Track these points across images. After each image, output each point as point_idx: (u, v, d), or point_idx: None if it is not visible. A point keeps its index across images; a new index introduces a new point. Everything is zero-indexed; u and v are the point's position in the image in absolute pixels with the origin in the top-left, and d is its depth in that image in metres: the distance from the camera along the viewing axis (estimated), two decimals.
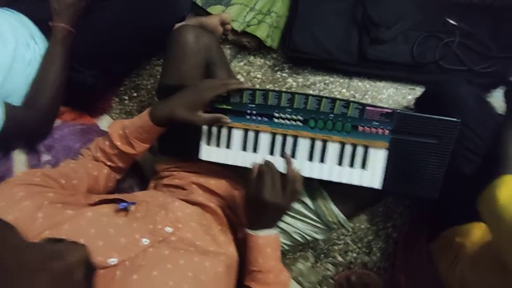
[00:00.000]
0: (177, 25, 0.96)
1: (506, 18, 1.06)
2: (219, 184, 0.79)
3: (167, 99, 0.70)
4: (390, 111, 0.68)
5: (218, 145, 0.75)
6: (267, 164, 0.67)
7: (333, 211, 0.78)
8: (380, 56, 1.07)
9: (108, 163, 0.73)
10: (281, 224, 0.80)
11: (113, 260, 0.49)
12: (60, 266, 0.40)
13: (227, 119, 0.71)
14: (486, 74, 1.04)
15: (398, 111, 0.68)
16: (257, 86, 1.13)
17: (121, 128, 0.71)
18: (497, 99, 1.08)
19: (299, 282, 1.07)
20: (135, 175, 0.89)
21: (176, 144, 0.77)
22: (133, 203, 0.60)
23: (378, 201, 0.96)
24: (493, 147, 0.75)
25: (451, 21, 1.07)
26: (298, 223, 0.81)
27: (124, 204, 0.57)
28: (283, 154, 0.73)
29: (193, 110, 0.68)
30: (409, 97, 1.10)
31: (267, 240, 0.65)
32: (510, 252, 0.58)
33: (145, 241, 0.54)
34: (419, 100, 0.93)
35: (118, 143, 0.70)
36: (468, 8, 1.11)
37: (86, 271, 0.43)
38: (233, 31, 1.11)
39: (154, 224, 0.58)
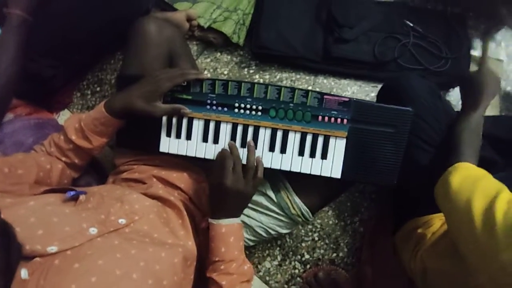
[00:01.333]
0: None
1: (455, 24, 1.14)
2: (180, 177, 0.77)
3: (124, 90, 0.68)
4: (347, 99, 0.69)
5: (178, 136, 0.74)
6: (231, 147, 0.67)
7: (297, 203, 0.78)
8: (343, 54, 1.10)
9: (63, 159, 0.69)
10: (244, 218, 0.78)
11: (52, 248, 0.46)
12: None
13: (186, 109, 0.70)
14: (440, 73, 1.10)
15: (355, 99, 0.69)
16: None
17: (77, 121, 0.68)
18: (452, 98, 1.14)
19: (266, 282, 1.05)
20: (94, 171, 0.85)
21: (135, 136, 0.75)
22: (84, 193, 0.57)
23: (342, 191, 0.97)
24: (446, 138, 0.79)
25: (408, 23, 1.12)
26: (262, 216, 0.80)
27: (73, 192, 0.54)
28: (245, 144, 0.72)
29: (151, 101, 0.67)
30: (372, 94, 1.13)
31: (230, 229, 0.64)
32: (462, 236, 0.60)
33: (93, 230, 0.51)
34: (379, 94, 0.95)
35: (74, 137, 0.67)
36: (423, 12, 1.17)
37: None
38: (200, 27, 1.11)
39: (106, 215, 0.56)
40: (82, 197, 0.56)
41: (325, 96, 0.69)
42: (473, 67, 1.10)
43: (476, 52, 1.16)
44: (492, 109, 1.10)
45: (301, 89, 0.70)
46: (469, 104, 0.81)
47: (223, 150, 0.68)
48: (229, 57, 1.14)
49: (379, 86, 1.12)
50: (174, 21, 1.05)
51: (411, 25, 1.13)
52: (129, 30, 0.82)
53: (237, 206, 0.67)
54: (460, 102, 0.92)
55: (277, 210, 0.79)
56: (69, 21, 0.89)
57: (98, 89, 1.09)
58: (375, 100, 1.10)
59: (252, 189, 0.66)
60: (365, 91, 1.13)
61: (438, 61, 1.11)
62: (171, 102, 0.71)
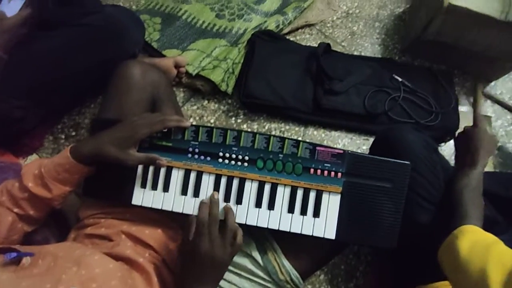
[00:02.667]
0: None
1: (443, 80, 1.15)
2: (154, 235, 0.68)
3: (96, 134, 0.61)
4: (341, 151, 0.64)
5: (154, 187, 0.65)
6: (212, 203, 0.59)
7: (285, 267, 0.69)
8: (334, 106, 1.08)
9: (15, 210, 0.59)
10: (224, 284, 0.68)
11: None
12: None
13: (162, 160, 0.62)
14: (431, 127, 1.08)
15: (349, 152, 0.64)
16: None
17: (37, 167, 0.59)
18: (445, 152, 1.11)
19: None
20: (54, 224, 0.74)
21: (104, 185, 0.66)
22: (30, 254, 0.47)
23: (336, 254, 0.88)
24: (447, 196, 0.73)
25: (397, 78, 1.13)
26: (245, 282, 0.69)
27: (13, 254, 0.45)
28: (229, 199, 0.65)
29: (124, 148, 0.60)
30: (364, 147, 1.09)
31: None
32: None
33: None
34: (372, 147, 0.91)
35: (30, 184, 0.58)
36: (411, 68, 1.19)
37: None
38: (187, 74, 1.09)
39: (54, 284, 0.46)
40: (26, 259, 0.46)
41: (318, 148, 0.63)
42: (462, 123, 1.09)
43: (463, 108, 1.17)
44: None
45: (292, 139, 0.64)
46: (467, 161, 0.78)
47: (200, 208, 0.59)
48: (216, 105, 1.11)
49: (371, 139, 1.10)
50: (161, 67, 1.03)
51: (400, 79, 1.13)
52: (112, 72, 0.77)
53: (212, 278, 0.57)
54: (453, 157, 0.89)
55: (263, 275, 0.69)
56: (50, 62, 0.85)
57: (73, 133, 1.02)
58: (367, 153, 1.07)
59: (230, 257, 0.57)
60: (356, 144, 1.10)
61: (428, 115, 1.10)
62: (149, 149, 0.64)
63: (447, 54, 1.16)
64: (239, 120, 1.09)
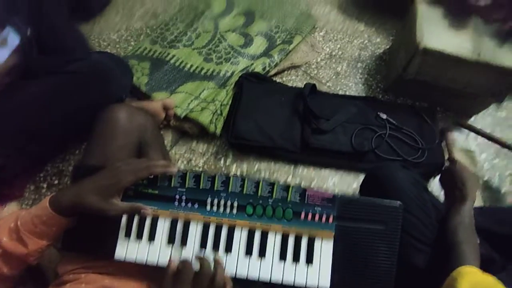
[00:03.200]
0: None
1: (426, 116, 1.18)
2: None
3: (78, 182, 0.59)
4: (331, 195, 0.63)
5: (139, 238, 0.62)
6: (187, 262, 0.54)
7: None
8: (322, 145, 1.09)
9: None
10: None
11: None
12: None
13: (147, 210, 0.60)
14: (419, 164, 1.09)
15: (340, 195, 0.63)
16: None
17: (14, 219, 0.56)
18: (435, 188, 1.11)
19: None
20: (31, 281, 0.70)
21: (85, 238, 0.63)
22: None
23: None
24: (441, 235, 0.72)
25: (382, 115, 1.15)
26: None
27: None
28: (217, 247, 0.62)
29: (107, 197, 0.57)
30: (354, 185, 1.08)
31: None
32: None
33: None
34: (362, 186, 0.91)
35: (4, 239, 0.54)
36: (395, 106, 1.22)
37: None
38: (176, 117, 1.09)
39: None
40: None
41: (308, 191, 0.62)
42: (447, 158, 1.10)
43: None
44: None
45: (281, 184, 0.63)
46: (457, 197, 0.79)
47: (181, 261, 0.55)
48: (205, 147, 1.10)
49: (361, 176, 1.09)
50: (149, 110, 1.02)
51: (385, 117, 1.16)
52: (97, 117, 0.77)
53: None
54: (442, 192, 0.90)
55: None
56: (34, 110, 0.84)
57: (56, 181, 0.99)
58: (357, 190, 1.06)
59: None
60: (346, 182, 1.09)
61: (415, 152, 1.11)
62: (133, 197, 0.62)
63: (428, 92, 1.20)
64: (228, 162, 1.08)
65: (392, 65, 1.26)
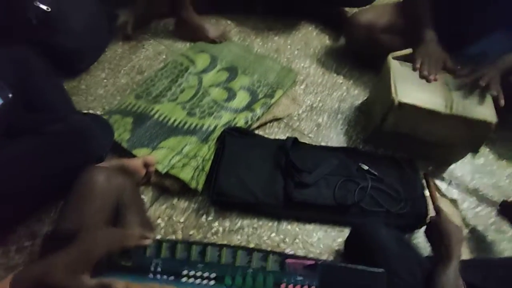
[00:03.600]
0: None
1: (406, 167, 1.20)
2: None
3: (45, 257, 0.56)
4: (313, 262, 0.61)
5: None
6: None
7: None
8: (305, 199, 1.08)
9: None
10: None
11: None
12: None
13: (119, 285, 0.57)
14: (403, 215, 1.09)
15: (321, 262, 0.61)
16: (179, 232, 1.02)
17: None
18: (420, 240, 1.10)
19: None
20: None
21: None
22: None
23: None
24: None
25: (363, 167, 1.17)
26: None
27: None
28: None
29: (75, 274, 0.54)
30: (339, 239, 1.06)
31: None
32: None
33: None
34: (346, 244, 0.90)
35: None
36: (375, 157, 1.24)
37: None
38: (157, 173, 1.07)
39: None
40: None
41: (287, 260, 0.61)
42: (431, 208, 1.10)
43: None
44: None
45: (260, 250, 0.62)
46: (443, 254, 0.78)
47: None
48: (186, 203, 1.08)
49: (346, 230, 1.08)
50: (129, 168, 1.01)
51: (366, 168, 1.17)
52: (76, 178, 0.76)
53: None
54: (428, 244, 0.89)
55: None
56: (9, 171, 0.82)
57: (26, 243, 0.93)
58: (343, 245, 1.04)
59: None
60: (331, 237, 1.07)
61: (398, 203, 1.11)
62: (105, 271, 0.59)
63: (407, 143, 1.23)
64: (209, 218, 1.06)
65: (370, 117, 1.30)
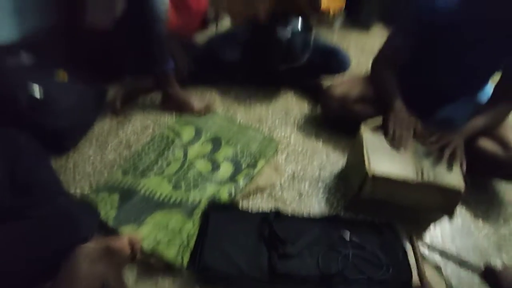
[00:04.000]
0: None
1: (386, 231, 1.23)
2: None
3: None
4: None
5: None
6: None
7: None
8: (289, 271, 1.09)
9: None
10: None
11: None
12: None
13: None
14: (384, 281, 1.10)
15: None
16: None
17: None
18: None
19: None
20: None
21: None
22: None
23: None
24: None
25: (345, 235, 1.20)
26: None
27: None
28: None
29: None
30: None
31: None
32: None
33: None
34: None
35: None
36: (356, 223, 1.28)
37: None
38: (141, 250, 1.08)
39: None
40: None
41: None
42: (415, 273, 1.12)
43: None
44: None
45: None
46: None
47: None
48: (171, 280, 1.07)
49: None
50: (115, 248, 1.02)
51: (348, 236, 1.20)
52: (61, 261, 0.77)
53: None
54: None
55: None
56: None
57: None
58: None
59: None
60: None
61: (379, 269, 1.13)
62: None
63: (386, 209, 1.28)
64: None
65: (349, 185, 1.37)
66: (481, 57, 1.33)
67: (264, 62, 1.70)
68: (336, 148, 1.61)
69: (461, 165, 1.19)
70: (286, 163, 1.50)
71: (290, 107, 1.82)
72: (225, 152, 1.46)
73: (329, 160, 1.55)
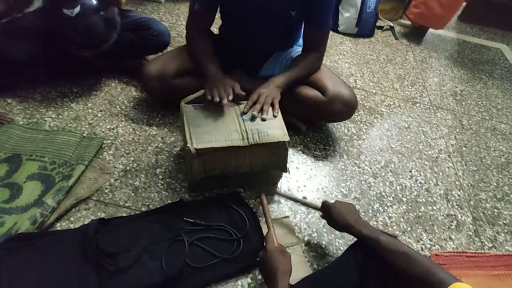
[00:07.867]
0: None
1: (233, 202, 1.17)
2: None
3: None
4: None
5: None
6: None
7: None
8: (129, 286, 0.93)
9: None
10: None
11: None
12: None
13: None
14: (236, 258, 1.04)
15: None
16: None
17: None
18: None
19: None
20: None
21: None
22: None
23: None
24: None
25: (188, 220, 1.10)
26: None
27: None
28: None
29: None
30: None
31: None
32: None
33: None
34: None
35: None
36: (200, 204, 1.19)
37: None
38: None
39: None
40: None
41: None
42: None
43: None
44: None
45: None
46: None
47: None
48: None
49: None
50: None
51: (192, 221, 1.10)
52: None
53: None
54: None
55: None
56: None
57: None
58: None
59: None
60: None
61: (231, 246, 1.07)
62: None
63: (225, 182, 1.22)
64: None
65: (188, 165, 1.25)
66: (271, 12, 1.32)
67: (66, 51, 1.38)
68: (173, 128, 1.47)
69: (274, 116, 1.17)
70: (115, 159, 1.29)
71: (115, 96, 1.57)
72: (28, 169, 1.15)
73: (165, 142, 1.39)
